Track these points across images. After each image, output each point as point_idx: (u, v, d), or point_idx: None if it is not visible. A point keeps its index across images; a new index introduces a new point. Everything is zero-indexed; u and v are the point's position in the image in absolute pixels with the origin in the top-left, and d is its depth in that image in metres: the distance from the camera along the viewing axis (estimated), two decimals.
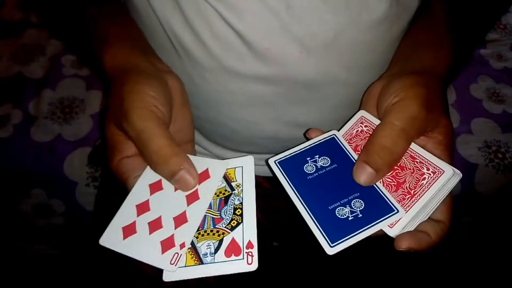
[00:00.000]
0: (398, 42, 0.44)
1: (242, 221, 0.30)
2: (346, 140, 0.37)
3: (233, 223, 0.30)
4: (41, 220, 0.83)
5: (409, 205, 0.30)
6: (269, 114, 0.45)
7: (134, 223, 0.30)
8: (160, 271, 0.28)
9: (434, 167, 0.31)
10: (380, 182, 0.32)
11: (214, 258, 0.28)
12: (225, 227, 0.30)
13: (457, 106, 0.92)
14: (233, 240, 0.29)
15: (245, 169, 0.33)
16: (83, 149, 0.79)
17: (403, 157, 0.32)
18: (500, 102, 0.93)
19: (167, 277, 0.28)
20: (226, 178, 0.33)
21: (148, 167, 0.32)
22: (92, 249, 0.54)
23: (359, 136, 0.36)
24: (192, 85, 0.43)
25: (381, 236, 0.31)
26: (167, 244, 0.29)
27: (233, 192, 0.32)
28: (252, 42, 0.38)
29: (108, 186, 0.59)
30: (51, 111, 0.83)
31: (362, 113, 0.37)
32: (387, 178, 0.32)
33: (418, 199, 0.30)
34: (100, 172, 0.77)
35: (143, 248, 0.29)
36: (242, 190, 0.32)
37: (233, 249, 0.29)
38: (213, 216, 0.31)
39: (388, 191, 0.31)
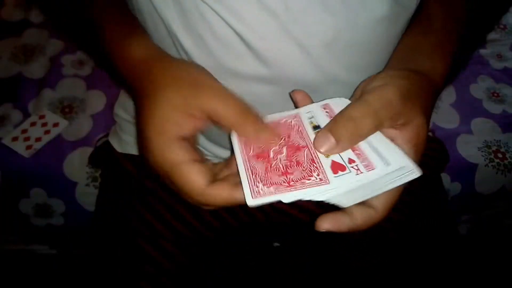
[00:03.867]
0: (397, 42, 0.44)
1: None
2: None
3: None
4: (41, 220, 0.83)
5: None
6: (269, 114, 0.45)
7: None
8: None
9: (368, 162, 0.31)
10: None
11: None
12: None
13: (457, 106, 0.92)
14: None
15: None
16: (83, 149, 0.79)
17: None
18: (500, 102, 0.93)
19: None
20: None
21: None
22: (92, 249, 0.55)
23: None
24: None
25: (385, 240, 0.30)
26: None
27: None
28: (251, 42, 0.39)
29: (109, 186, 0.59)
30: (51, 111, 0.84)
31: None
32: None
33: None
34: (100, 172, 0.77)
35: None
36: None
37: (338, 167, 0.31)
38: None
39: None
